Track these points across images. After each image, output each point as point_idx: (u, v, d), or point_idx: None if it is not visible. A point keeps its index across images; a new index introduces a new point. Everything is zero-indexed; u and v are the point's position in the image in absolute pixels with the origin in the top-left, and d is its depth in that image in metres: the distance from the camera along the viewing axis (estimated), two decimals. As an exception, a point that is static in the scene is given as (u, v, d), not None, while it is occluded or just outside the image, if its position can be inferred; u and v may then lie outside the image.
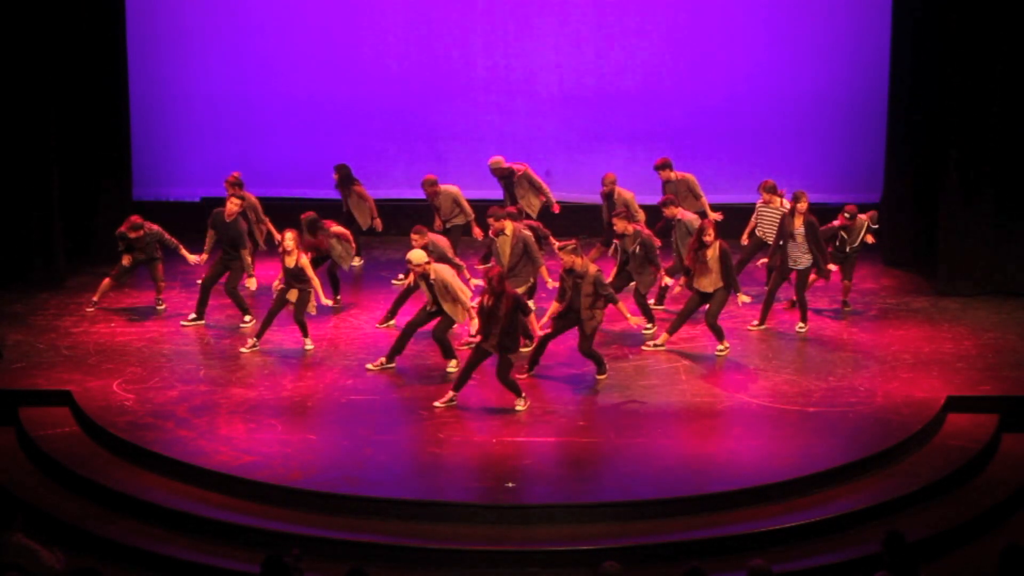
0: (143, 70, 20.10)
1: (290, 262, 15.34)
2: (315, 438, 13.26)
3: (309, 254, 15.65)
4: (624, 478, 12.44)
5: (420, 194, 18.42)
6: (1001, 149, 17.56)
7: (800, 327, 16.27)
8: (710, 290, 15.37)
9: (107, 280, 16.91)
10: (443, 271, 14.71)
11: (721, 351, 15.47)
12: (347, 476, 12.37)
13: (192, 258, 16.67)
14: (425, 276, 14.57)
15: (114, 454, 13.09)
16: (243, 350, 15.49)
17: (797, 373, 14.99)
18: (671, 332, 15.62)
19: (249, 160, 18.93)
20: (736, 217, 17.96)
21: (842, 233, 16.77)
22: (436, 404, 13.85)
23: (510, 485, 12.28)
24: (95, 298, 16.98)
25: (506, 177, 18.40)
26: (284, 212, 18.26)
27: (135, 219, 16.75)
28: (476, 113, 20.75)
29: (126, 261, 16.79)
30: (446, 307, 14.63)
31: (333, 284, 17.23)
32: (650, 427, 13.57)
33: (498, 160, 18.51)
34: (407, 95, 20.79)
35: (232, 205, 16.36)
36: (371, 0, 20.73)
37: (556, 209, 18.37)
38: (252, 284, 16.61)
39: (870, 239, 16.97)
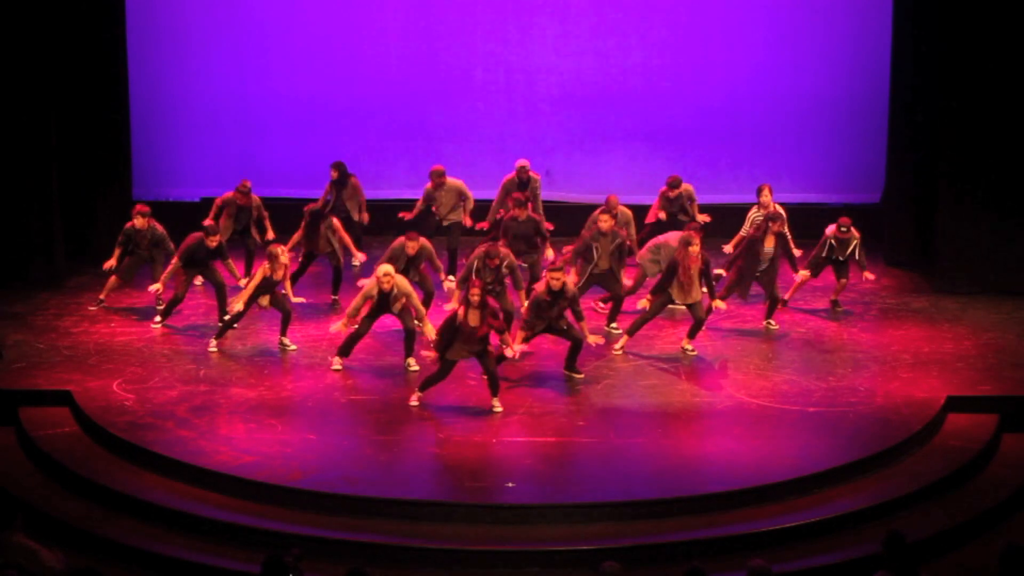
0: (143, 70, 20.12)
1: (280, 275, 15.41)
2: (315, 438, 13.25)
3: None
4: (624, 478, 12.44)
5: (419, 194, 18.42)
6: (1000, 149, 17.56)
7: (767, 323, 16.42)
8: (689, 302, 15.37)
9: (113, 278, 16.94)
10: (404, 282, 14.92)
11: (691, 351, 15.54)
12: (347, 476, 12.37)
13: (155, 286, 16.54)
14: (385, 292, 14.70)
15: (114, 454, 13.08)
16: (211, 350, 15.57)
17: (797, 373, 14.99)
18: (687, 335, 15.59)
19: (249, 160, 18.95)
20: (736, 217, 17.95)
21: (832, 243, 16.77)
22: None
23: (510, 485, 12.28)
24: (102, 295, 17.01)
25: (525, 182, 18.40)
26: (284, 212, 18.32)
27: (143, 208, 16.86)
28: (476, 113, 20.78)
29: (113, 262, 16.77)
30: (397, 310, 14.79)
31: (335, 281, 17.29)
32: (650, 427, 13.57)
33: (526, 163, 18.49)
34: (407, 95, 20.80)
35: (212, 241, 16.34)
36: (371, 0, 20.76)
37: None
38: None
39: (863, 271, 16.97)
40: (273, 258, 15.39)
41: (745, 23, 20.61)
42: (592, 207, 18.61)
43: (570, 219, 19.11)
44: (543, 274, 14.78)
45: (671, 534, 11.67)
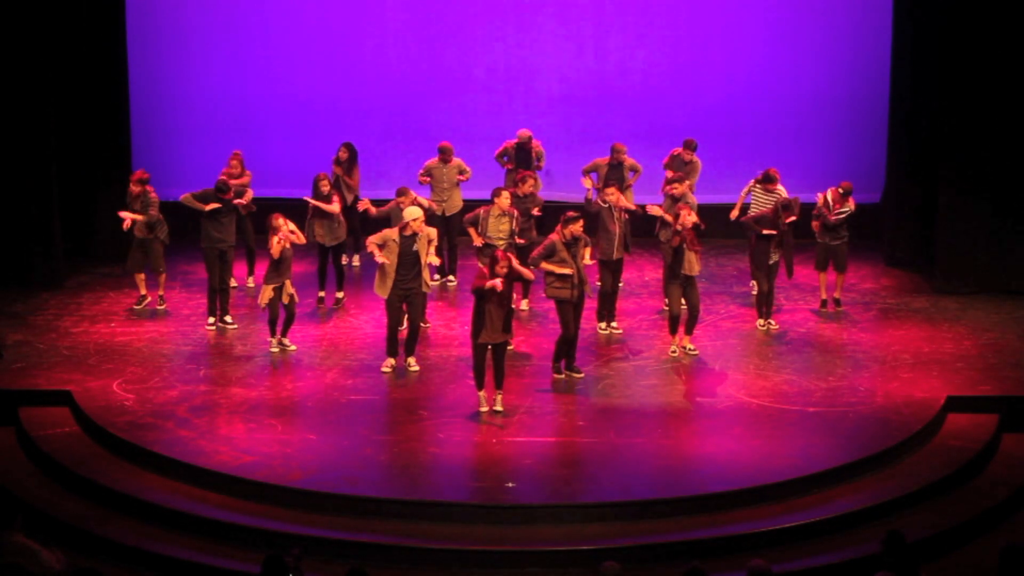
0: (143, 70, 20.13)
1: (277, 252, 15.21)
2: (315, 438, 13.25)
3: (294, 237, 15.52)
4: (624, 478, 12.44)
5: (419, 194, 18.41)
6: (1000, 149, 17.57)
7: (767, 324, 16.36)
8: (693, 273, 15.27)
9: (140, 276, 16.95)
10: (430, 229, 15.03)
11: (693, 350, 15.40)
12: (347, 476, 12.37)
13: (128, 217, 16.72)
14: (415, 235, 14.67)
15: (114, 454, 13.09)
16: (273, 349, 15.48)
17: (797, 373, 14.99)
18: (684, 333, 15.51)
19: (248, 160, 18.89)
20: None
21: (827, 197, 16.75)
22: (484, 409, 13.76)
23: (510, 485, 12.28)
24: (142, 292, 16.97)
25: (526, 150, 18.79)
26: (283, 212, 18.26)
27: (143, 174, 16.98)
28: (476, 113, 20.78)
29: (125, 217, 16.75)
30: (425, 271, 14.78)
31: (338, 278, 17.27)
32: (650, 427, 13.57)
33: (527, 131, 18.99)
34: (407, 95, 20.81)
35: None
36: (371, 1, 20.76)
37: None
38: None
39: (851, 204, 16.85)
40: (274, 230, 15.24)
41: (745, 23, 20.61)
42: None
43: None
44: (557, 227, 14.71)
45: (671, 534, 11.67)
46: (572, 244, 14.55)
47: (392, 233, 14.78)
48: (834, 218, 16.76)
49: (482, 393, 13.78)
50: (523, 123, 19.94)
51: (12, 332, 16.02)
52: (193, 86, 20.66)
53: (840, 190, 16.79)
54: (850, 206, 16.80)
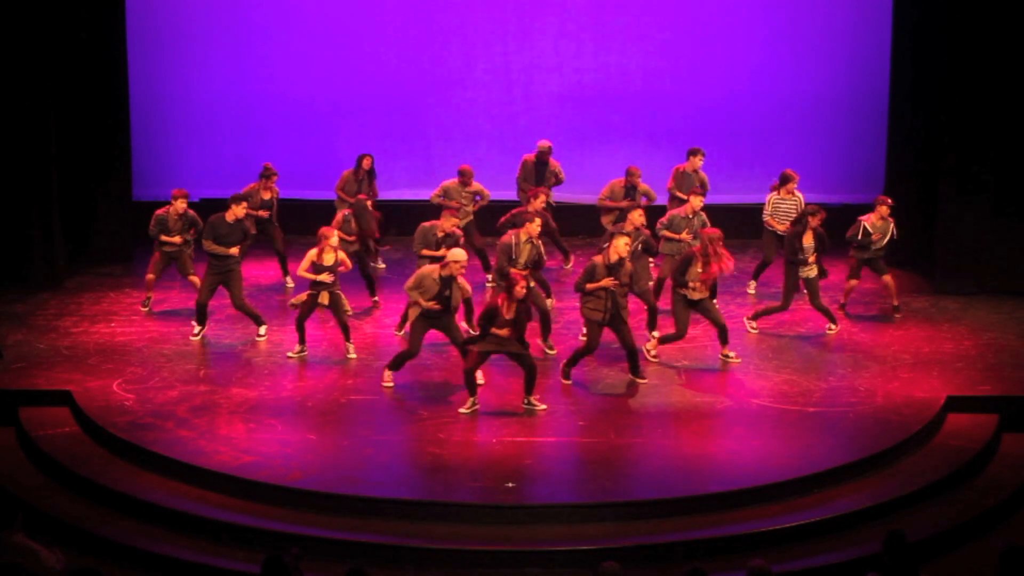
0: (143, 70, 20.14)
1: (329, 259, 15.06)
2: (315, 438, 13.25)
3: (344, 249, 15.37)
4: (624, 478, 12.45)
5: (419, 194, 18.44)
6: (1000, 149, 17.58)
7: (830, 328, 16.24)
8: (697, 297, 15.08)
9: (151, 276, 16.80)
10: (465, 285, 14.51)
11: (732, 357, 15.22)
12: (347, 476, 12.36)
13: (195, 279, 16.52)
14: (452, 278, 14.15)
15: (114, 454, 13.08)
16: (290, 355, 15.27)
17: (797, 373, 14.99)
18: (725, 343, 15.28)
19: (249, 160, 18.90)
20: (735, 217, 17.96)
21: (866, 225, 16.67)
22: (461, 410, 13.73)
23: (510, 485, 12.27)
24: (149, 294, 16.91)
25: (545, 163, 18.72)
26: (284, 212, 18.34)
27: (183, 191, 16.76)
28: (476, 113, 20.78)
29: (152, 274, 16.66)
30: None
31: (365, 280, 17.18)
32: (650, 427, 13.57)
33: (547, 143, 18.88)
34: (407, 95, 20.82)
35: (239, 210, 16.01)
36: (371, 0, 20.76)
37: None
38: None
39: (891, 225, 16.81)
40: (322, 238, 15.12)
41: (745, 23, 20.63)
42: (592, 207, 18.64)
43: (570, 219, 19.15)
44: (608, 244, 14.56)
45: (671, 534, 11.67)
46: (615, 267, 14.29)
47: (431, 271, 14.19)
48: (877, 237, 16.63)
49: (472, 399, 13.66)
50: (523, 123, 20.03)
51: (12, 332, 16.02)
52: (193, 86, 20.67)
53: (886, 209, 16.64)
54: (891, 227, 16.74)
